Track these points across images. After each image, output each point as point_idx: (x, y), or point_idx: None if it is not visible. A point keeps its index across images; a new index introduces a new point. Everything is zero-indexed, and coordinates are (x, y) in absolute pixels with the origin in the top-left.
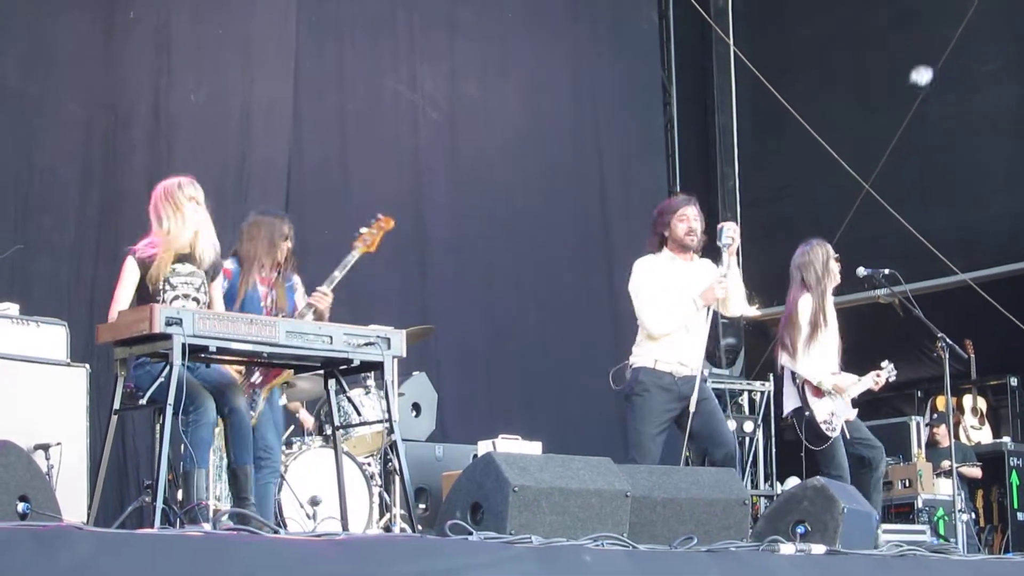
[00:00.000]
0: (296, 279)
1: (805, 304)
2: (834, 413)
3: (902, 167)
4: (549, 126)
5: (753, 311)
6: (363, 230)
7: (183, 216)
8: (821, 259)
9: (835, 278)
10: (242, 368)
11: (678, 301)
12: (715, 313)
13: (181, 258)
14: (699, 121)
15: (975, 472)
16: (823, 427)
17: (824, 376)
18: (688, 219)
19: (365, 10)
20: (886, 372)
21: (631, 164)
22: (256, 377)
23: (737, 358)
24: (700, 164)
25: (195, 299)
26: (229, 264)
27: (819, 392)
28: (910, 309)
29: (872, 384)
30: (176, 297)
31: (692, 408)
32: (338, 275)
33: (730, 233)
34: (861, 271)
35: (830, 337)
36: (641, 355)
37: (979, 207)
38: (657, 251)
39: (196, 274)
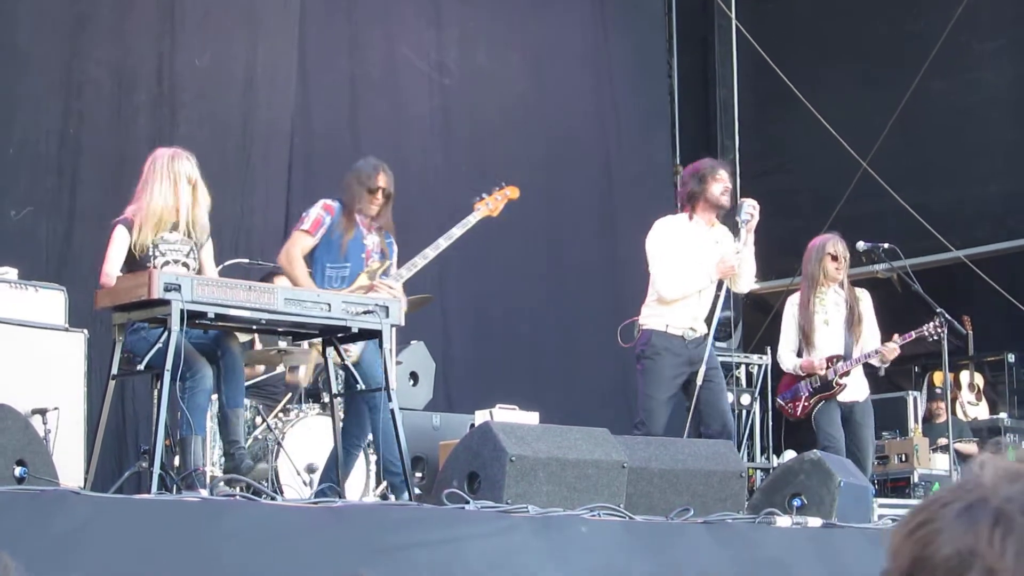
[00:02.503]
0: (391, 240)
1: (789, 305)
2: (802, 395)
3: (901, 143)
4: (557, 96)
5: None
6: (484, 196)
7: (166, 190)
8: (814, 257)
9: (831, 275)
10: None
11: (694, 267)
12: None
13: (170, 227)
14: (700, 94)
15: (971, 448)
16: (783, 411)
17: (795, 364)
18: (724, 180)
19: None
20: (898, 343)
21: (636, 136)
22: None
23: (736, 331)
24: (701, 137)
25: (184, 264)
26: (333, 201)
27: (794, 378)
28: (909, 284)
29: (880, 351)
30: (166, 263)
31: (699, 381)
32: (457, 232)
33: (749, 209)
34: (861, 245)
35: (827, 328)
36: (652, 317)
37: (977, 184)
38: (688, 212)
39: (184, 241)
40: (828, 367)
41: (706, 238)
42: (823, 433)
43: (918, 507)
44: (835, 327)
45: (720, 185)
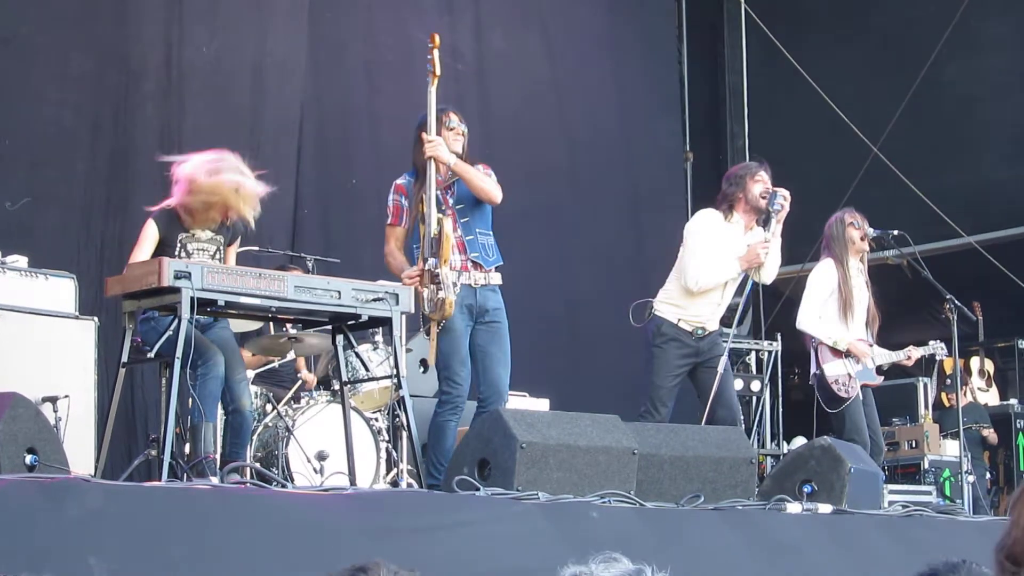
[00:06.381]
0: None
1: (820, 271)
2: (850, 375)
3: (912, 129)
4: (569, 80)
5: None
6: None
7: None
8: (836, 231)
9: (857, 246)
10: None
11: (724, 263)
12: None
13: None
14: (710, 79)
15: (992, 434)
16: (833, 388)
17: (840, 336)
18: (764, 180)
19: None
20: (922, 351)
21: (647, 121)
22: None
23: (744, 317)
24: (710, 123)
25: None
26: (402, 179)
27: (836, 353)
28: (919, 271)
29: (903, 359)
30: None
31: (720, 369)
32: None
33: (781, 200)
34: (871, 232)
35: (858, 307)
36: (666, 306)
37: (988, 169)
38: (724, 213)
39: (214, 240)
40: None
41: (740, 242)
42: (854, 426)
43: None
44: (861, 307)
45: (760, 186)
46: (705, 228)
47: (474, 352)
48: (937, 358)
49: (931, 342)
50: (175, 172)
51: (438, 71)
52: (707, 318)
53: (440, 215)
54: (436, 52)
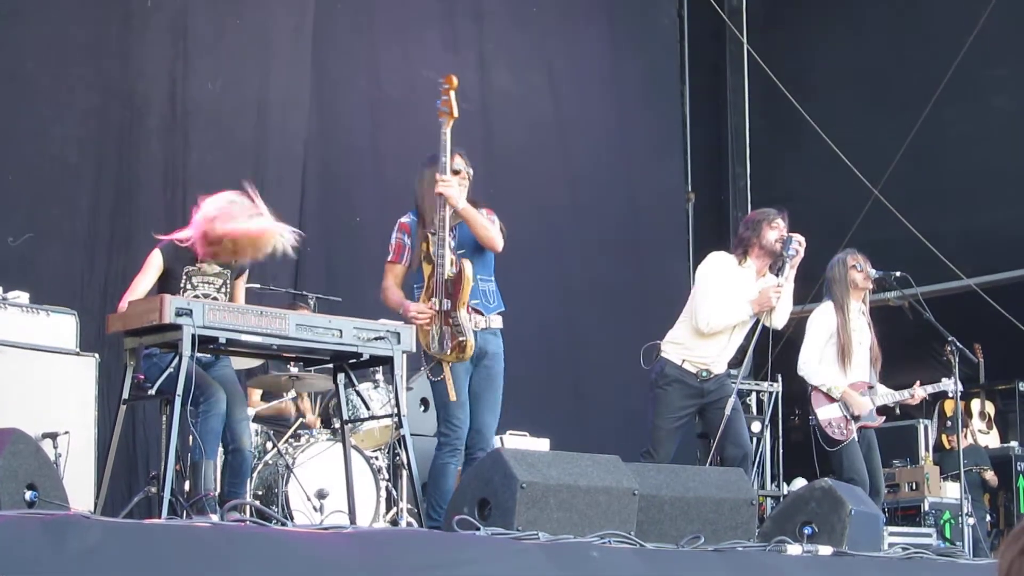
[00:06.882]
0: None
1: (820, 314)
2: (845, 418)
3: (913, 170)
4: (573, 119)
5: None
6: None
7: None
8: (838, 273)
9: (859, 287)
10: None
11: (735, 305)
12: None
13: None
14: (712, 120)
15: (993, 477)
16: (827, 431)
17: (835, 383)
18: (780, 228)
19: None
20: (932, 387)
21: (649, 161)
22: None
23: (744, 358)
24: (712, 163)
25: (214, 299)
26: (406, 217)
27: (830, 397)
28: (920, 312)
29: (908, 399)
30: (195, 297)
31: (728, 411)
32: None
33: (796, 245)
34: (872, 273)
35: (859, 348)
36: (672, 346)
37: (989, 212)
38: (738, 257)
39: (221, 274)
40: (864, 394)
41: (752, 286)
42: (851, 466)
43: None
44: (863, 348)
45: (776, 232)
46: (717, 270)
47: (467, 395)
48: (950, 394)
49: (943, 379)
50: (196, 212)
51: (455, 112)
52: (713, 360)
53: (454, 256)
54: (453, 94)
